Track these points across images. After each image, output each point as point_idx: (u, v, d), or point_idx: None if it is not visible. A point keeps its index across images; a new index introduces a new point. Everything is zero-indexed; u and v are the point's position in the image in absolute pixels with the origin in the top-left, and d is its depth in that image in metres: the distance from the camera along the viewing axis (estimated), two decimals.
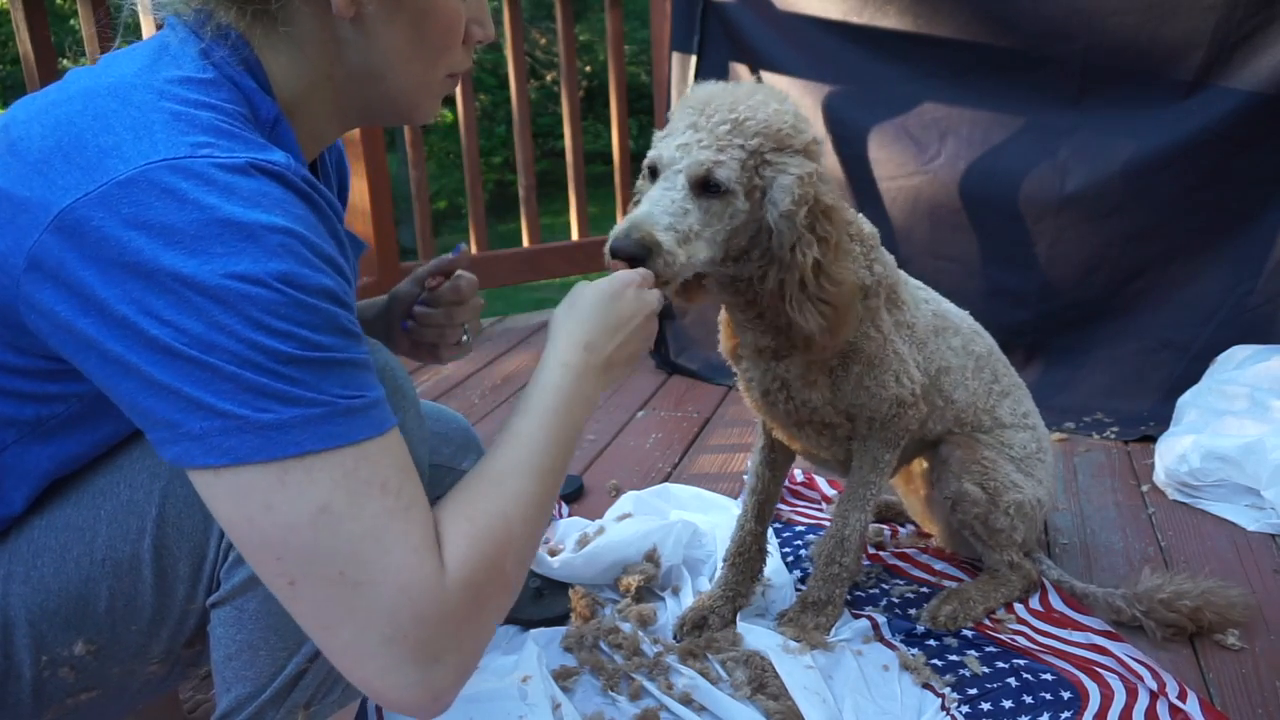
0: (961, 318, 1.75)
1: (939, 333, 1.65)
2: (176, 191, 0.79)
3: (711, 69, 3.01)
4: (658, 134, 1.40)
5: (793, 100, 1.40)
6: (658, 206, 1.27)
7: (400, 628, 0.83)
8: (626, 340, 1.10)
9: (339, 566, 0.82)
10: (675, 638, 1.64)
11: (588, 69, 11.47)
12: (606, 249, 1.24)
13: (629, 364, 1.13)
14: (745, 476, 2.30)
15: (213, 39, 0.93)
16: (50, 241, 0.80)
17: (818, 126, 2.85)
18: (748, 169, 1.31)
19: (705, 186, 1.29)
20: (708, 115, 1.31)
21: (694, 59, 3.02)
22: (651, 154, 1.35)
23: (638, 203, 1.47)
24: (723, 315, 1.60)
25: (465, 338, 1.39)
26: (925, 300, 1.66)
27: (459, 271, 1.36)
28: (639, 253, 1.22)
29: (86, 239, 0.79)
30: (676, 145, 1.31)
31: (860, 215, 1.51)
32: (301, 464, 0.80)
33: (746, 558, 1.69)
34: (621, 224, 1.26)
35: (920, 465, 1.83)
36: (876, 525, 2.04)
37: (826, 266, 1.34)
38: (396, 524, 0.84)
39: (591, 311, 1.09)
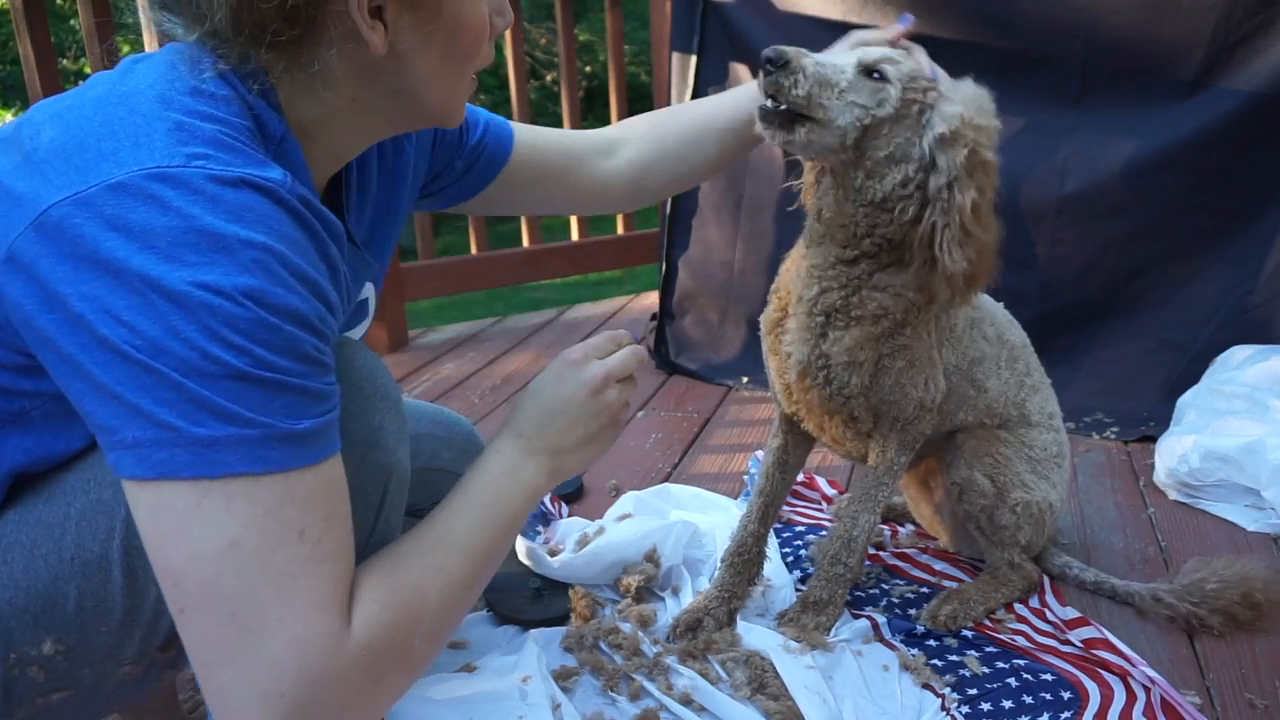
0: (995, 308, 1.74)
1: (974, 324, 1.64)
2: (162, 199, 0.79)
3: (711, 69, 3.01)
4: None
5: None
6: (814, 58, 1.35)
7: (282, 683, 0.80)
8: (574, 424, 1.08)
9: (231, 607, 0.80)
10: (670, 640, 1.63)
11: (588, 69, 11.45)
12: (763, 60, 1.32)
13: (585, 449, 1.10)
14: (745, 477, 2.30)
15: (234, 64, 0.92)
16: (31, 236, 0.80)
17: None
18: (917, 88, 1.37)
19: (869, 72, 1.36)
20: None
21: (694, 59, 3.01)
22: None
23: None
24: (780, 275, 1.58)
25: None
26: None
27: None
28: (776, 57, 1.31)
29: (64, 235, 0.79)
30: None
31: None
32: (224, 490, 0.78)
33: (745, 559, 1.68)
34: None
35: (933, 468, 1.82)
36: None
37: (982, 212, 1.36)
38: (305, 574, 0.81)
39: (538, 393, 1.08)
